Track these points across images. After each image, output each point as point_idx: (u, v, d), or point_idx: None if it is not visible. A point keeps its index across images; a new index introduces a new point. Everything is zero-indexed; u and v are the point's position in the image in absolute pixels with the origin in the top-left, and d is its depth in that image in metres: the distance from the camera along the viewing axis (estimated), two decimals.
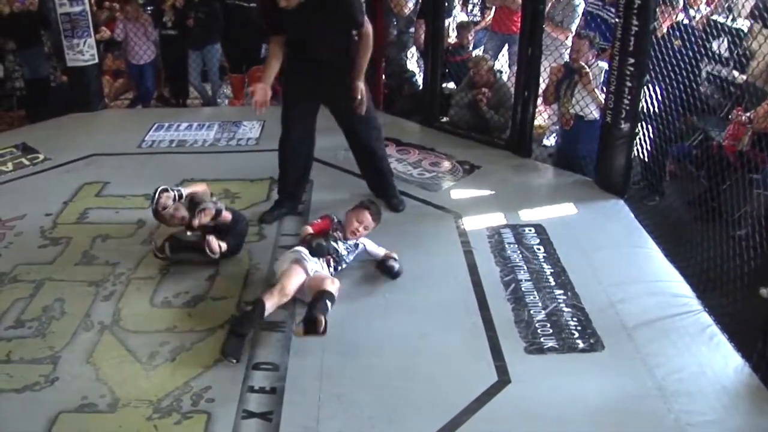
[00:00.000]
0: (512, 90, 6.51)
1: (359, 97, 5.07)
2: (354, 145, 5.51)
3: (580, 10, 7.23)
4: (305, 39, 4.97)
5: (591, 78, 5.86)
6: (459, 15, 8.03)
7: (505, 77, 7.40)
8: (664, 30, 5.83)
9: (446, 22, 7.25)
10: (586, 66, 5.89)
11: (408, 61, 7.74)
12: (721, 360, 3.87)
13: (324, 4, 4.77)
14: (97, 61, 7.85)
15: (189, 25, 7.94)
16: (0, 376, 3.82)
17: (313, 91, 5.15)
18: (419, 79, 7.57)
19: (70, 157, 6.54)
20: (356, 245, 4.58)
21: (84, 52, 7.62)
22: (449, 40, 7.56)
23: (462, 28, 7.57)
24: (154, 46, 8.13)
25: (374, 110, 5.48)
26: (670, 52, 5.58)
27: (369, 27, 5.06)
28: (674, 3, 5.88)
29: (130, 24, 7.99)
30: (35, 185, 6.11)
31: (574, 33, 6.93)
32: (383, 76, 7.75)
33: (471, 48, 7.66)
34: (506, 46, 7.96)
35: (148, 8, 8.36)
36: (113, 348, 4.03)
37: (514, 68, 6.94)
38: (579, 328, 4.06)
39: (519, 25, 6.57)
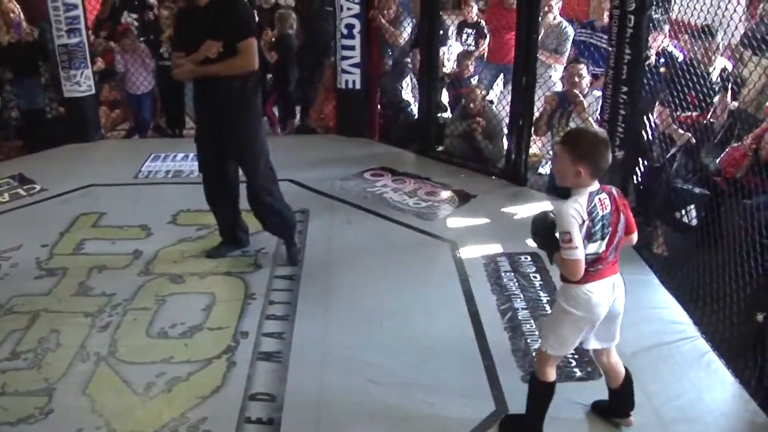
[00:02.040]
0: (506, 119, 6.56)
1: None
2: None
3: (572, 36, 7.30)
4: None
5: (585, 106, 5.90)
6: (454, 44, 8.09)
7: (497, 107, 7.45)
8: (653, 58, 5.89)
9: (441, 51, 7.31)
10: (580, 95, 5.94)
11: (403, 91, 7.79)
12: (719, 386, 3.86)
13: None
14: (94, 91, 7.91)
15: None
16: None
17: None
18: (414, 108, 7.62)
19: (67, 187, 6.55)
20: None
21: (81, 83, 7.68)
22: (445, 70, 7.61)
23: (463, 57, 7.62)
24: (152, 77, 8.17)
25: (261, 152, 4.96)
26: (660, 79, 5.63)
27: (252, 45, 4.68)
28: (660, 28, 5.92)
29: (128, 55, 8.04)
30: (31, 216, 6.12)
31: (566, 61, 7.02)
32: (378, 106, 7.81)
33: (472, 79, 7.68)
34: (501, 76, 8.02)
35: (142, 38, 8.40)
36: (109, 379, 4.00)
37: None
38: (576, 356, 4.03)
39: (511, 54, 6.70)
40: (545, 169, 7.01)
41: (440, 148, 7.20)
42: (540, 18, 6.42)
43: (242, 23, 4.66)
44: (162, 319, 4.53)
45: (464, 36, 8.52)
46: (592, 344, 3.34)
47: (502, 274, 4.97)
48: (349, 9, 7.33)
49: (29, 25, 7.80)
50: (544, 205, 5.95)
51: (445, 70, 7.61)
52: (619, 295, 3.25)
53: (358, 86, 7.50)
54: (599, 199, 3.04)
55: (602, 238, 3.07)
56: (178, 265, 5.15)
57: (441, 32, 7.30)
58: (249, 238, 5.38)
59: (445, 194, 6.28)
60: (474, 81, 7.49)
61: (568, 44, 7.29)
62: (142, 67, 8.09)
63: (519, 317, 4.46)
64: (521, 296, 4.70)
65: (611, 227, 3.10)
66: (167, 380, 3.95)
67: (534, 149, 6.80)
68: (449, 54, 7.92)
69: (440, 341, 4.24)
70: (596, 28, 6.85)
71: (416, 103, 7.58)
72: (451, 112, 7.49)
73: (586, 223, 2.99)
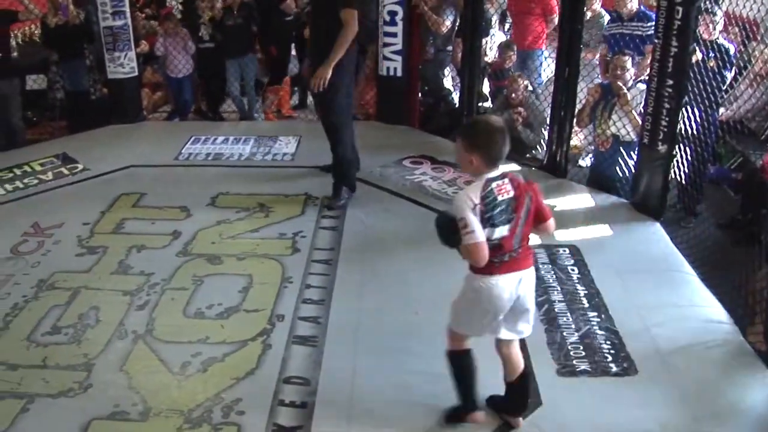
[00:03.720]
0: (548, 110, 6.50)
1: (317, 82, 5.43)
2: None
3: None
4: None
5: (629, 98, 5.82)
6: (497, 34, 8.02)
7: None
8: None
9: (483, 41, 7.26)
10: (623, 87, 5.86)
11: (444, 80, 7.75)
12: (759, 388, 3.78)
13: None
14: (136, 74, 7.99)
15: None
16: (36, 381, 3.88)
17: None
18: (455, 97, 7.57)
19: (109, 167, 6.64)
20: None
21: (124, 65, 7.76)
22: (487, 59, 7.56)
23: (505, 47, 7.55)
24: (193, 60, 8.22)
25: (341, 99, 5.63)
26: (710, 73, 5.53)
27: (351, 16, 5.35)
28: (711, 20, 5.79)
29: (170, 38, 8.10)
30: (74, 194, 6.22)
31: (599, 54, 6.93)
32: (419, 94, 7.78)
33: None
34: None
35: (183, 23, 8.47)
36: (146, 357, 4.07)
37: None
38: (612, 351, 4.01)
39: (533, 40, 6.60)
40: (586, 162, 6.94)
41: None
42: (585, 8, 6.32)
43: None
44: (199, 299, 4.58)
45: (507, 26, 8.45)
46: (502, 334, 3.36)
47: (540, 266, 4.90)
48: None
49: (76, 8, 7.90)
50: (584, 198, 5.93)
51: (486, 59, 7.55)
52: (526, 291, 3.25)
53: (399, 73, 7.46)
54: (497, 184, 3.09)
55: (504, 223, 3.10)
56: (216, 247, 5.19)
57: (483, 22, 7.23)
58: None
59: None
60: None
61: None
62: (184, 51, 8.13)
63: (555, 310, 4.42)
64: (558, 289, 4.64)
65: (515, 213, 3.13)
66: (203, 360, 4.00)
67: (575, 141, 6.73)
68: (491, 43, 7.85)
69: None
70: (623, 18, 6.72)
71: (457, 92, 7.53)
72: (492, 102, 7.45)
73: (479, 206, 3.03)
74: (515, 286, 3.20)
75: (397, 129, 7.44)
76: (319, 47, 5.60)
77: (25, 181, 6.50)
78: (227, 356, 4.03)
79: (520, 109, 6.83)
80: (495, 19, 8.23)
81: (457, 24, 7.49)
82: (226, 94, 8.52)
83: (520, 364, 3.46)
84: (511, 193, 3.12)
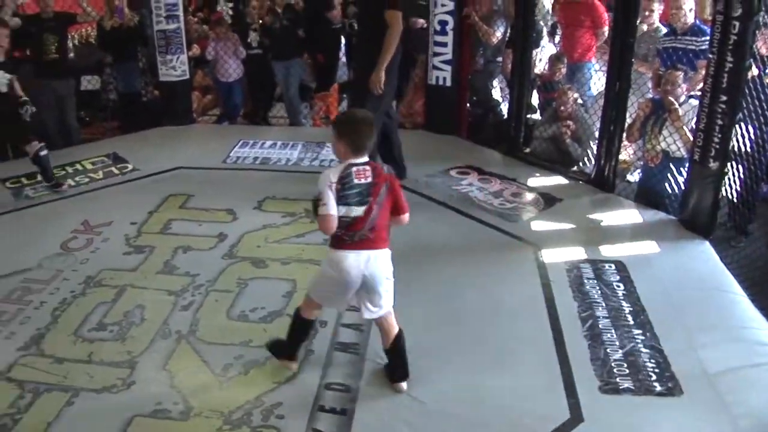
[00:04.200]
0: (597, 124, 6.43)
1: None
2: None
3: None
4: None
5: (680, 114, 5.73)
6: (547, 46, 7.97)
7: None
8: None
9: (533, 52, 7.22)
10: (675, 102, 5.78)
11: (493, 90, 7.72)
12: None
13: None
14: (188, 77, 8.11)
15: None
16: (81, 375, 3.95)
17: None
18: (504, 108, 7.54)
19: (158, 168, 6.74)
20: None
21: (176, 67, 7.88)
22: (536, 71, 7.51)
23: (555, 60, 7.50)
24: (243, 65, 8.30)
25: (376, 105, 5.71)
26: (766, 89, 5.41)
27: (395, 17, 5.54)
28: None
29: (221, 43, 8.19)
30: (123, 194, 6.33)
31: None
32: (468, 104, 7.76)
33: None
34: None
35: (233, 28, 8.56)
36: (189, 357, 4.11)
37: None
38: (657, 370, 3.93)
39: (583, 52, 6.53)
40: (634, 177, 6.84)
41: (528, 150, 7.10)
42: (638, 22, 6.26)
43: None
44: (243, 302, 4.62)
45: (557, 37, 8.39)
46: (366, 314, 3.72)
47: (585, 281, 4.86)
48: (443, 5, 7.29)
49: (131, 11, 8.04)
50: (632, 213, 5.85)
51: (536, 71, 7.50)
52: (374, 269, 3.57)
53: (448, 83, 7.46)
54: (358, 169, 3.49)
55: (358, 204, 3.48)
56: (262, 250, 5.23)
57: (534, 33, 7.20)
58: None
59: (531, 196, 6.19)
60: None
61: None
62: (234, 55, 8.22)
63: (600, 326, 4.35)
64: (603, 305, 4.58)
65: (370, 197, 3.49)
66: (245, 363, 4.02)
67: (624, 156, 6.65)
68: (541, 55, 7.80)
69: (518, 344, 4.19)
70: (677, 32, 6.63)
71: (506, 103, 7.49)
72: (541, 114, 7.40)
73: (335, 185, 3.43)
74: (364, 263, 3.53)
75: (444, 139, 7.43)
76: (365, 49, 5.76)
77: (77, 179, 6.64)
78: (269, 360, 4.03)
79: (569, 122, 6.78)
80: (545, 30, 8.19)
81: (508, 35, 7.46)
82: (275, 99, 8.59)
83: (393, 332, 3.78)
84: (370, 179, 3.50)
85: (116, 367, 4.02)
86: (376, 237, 3.56)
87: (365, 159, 3.54)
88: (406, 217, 3.71)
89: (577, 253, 5.24)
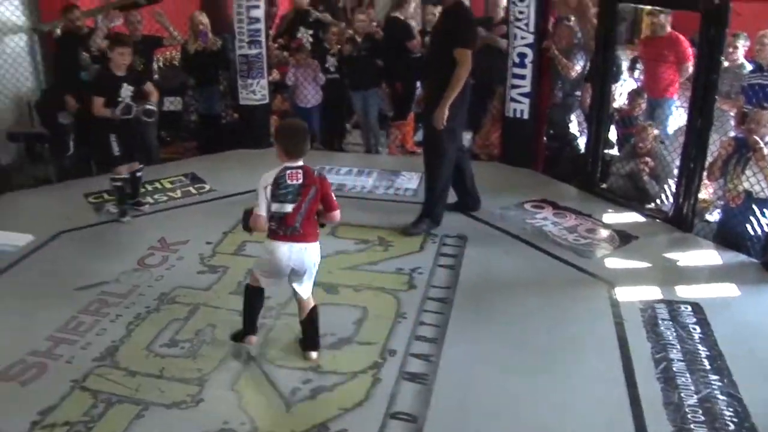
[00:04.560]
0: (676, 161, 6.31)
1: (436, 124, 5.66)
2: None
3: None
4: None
5: (765, 153, 5.58)
6: (627, 80, 7.87)
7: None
8: None
9: (613, 87, 7.13)
10: (760, 141, 5.62)
11: (571, 124, 7.65)
12: None
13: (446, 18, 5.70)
14: (267, 101, 8.26)
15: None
16: (152, 390, 4.03)
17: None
18: (581, 142, 7.45)
19: (234, 190, 6.84)
20: None
21: (256, 92, 8.03)
22: (615, 105, 7.42)
23: (635, 95, 7.40)
24: (321, 91, 8.39)
25: (448, 141, 5.83)
26: None
27: (465, 55, 5.54)
28: None
29: (301, 69, 8.31)
30: (199, 214, 6.46)
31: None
32: (545, 138, 7.70)
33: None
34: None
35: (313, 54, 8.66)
36: (257, 379, 4.15)
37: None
38: (735, 419, 3.79)
39: (664, 88, 6.37)
40: (714, 217, 6.67)
41: (604, 186, 6.99)
42: (722, 57, 6.13)
43: (461, 32, 5.61)
44: None
45: (636, 72, 8.28)
46: (296, 288, 4.27)
47: (660, 321, 4.74)
48: (522, 38, 7.27)
49: (214, 35, 8.23)
50: (710, 254, 5.70)
51: (615, 105, 7.41)
52: (298, 258, 4.13)
53: (525, 116, 7.42)
54: (290, 172, 4.06)
55: (290, 203, 4.07)
56: (334, 276, 5.24)
57: (614, 67, 7.11)
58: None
59: (606, 233, 6.08)
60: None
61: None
62: (313, 82, 8.32)
63: (674, 369, 4.23)
64: (678, 347, 4.45)
65: (299, 196, 4.07)
66: (312, 388, 4.04)
67: (704, 195, 6.49)
68: (621, 90, 7.71)
69: (588, 384, 4.11)
70: (764, 68, 6.46)
71: (583, 138, 7.41)
72: (618, 150, 7.29)
73: (269, 187, 4.05)
74: (293, 253, 4.11)
75: (520, 171, 7.38)
76: (434, 84, 5.77)
77: (156, 197, 6.79)
78: (336, 386, 4.05)
79: (648, 159, 6.66)
80: (625, 65, 8.10)
81: (587, 68, 7.39)
82: (352, 125, 8.66)
83: (308, 306, 4.29)
84: (301, 181, 4.07)
85: (186, 383, 4.09)
86: (305, 232, 4.13)
87: (299, 163, 4.11)
88: (336, 214, 4.28)
89: (652, 292, 5.12)
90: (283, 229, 4.10)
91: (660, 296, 5.07)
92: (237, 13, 7.96)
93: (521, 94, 7.40)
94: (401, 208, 6.45)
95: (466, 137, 7.85)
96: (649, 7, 7.96)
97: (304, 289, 4.27)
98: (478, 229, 6.01)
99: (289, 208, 4.07)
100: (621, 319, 4.77)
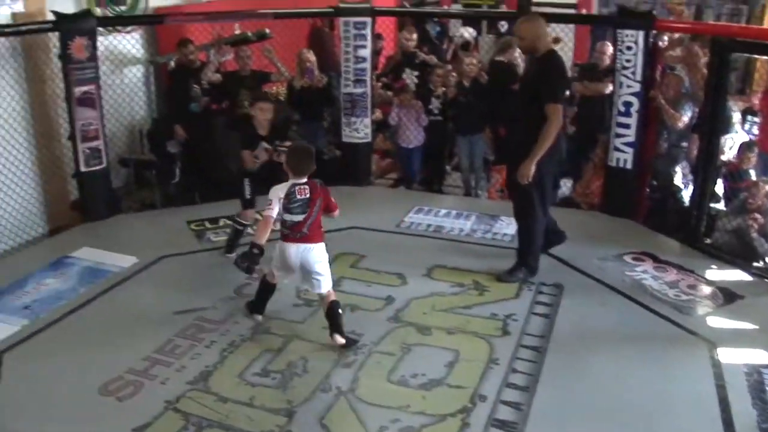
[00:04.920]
0: None
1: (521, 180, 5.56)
2: None
3: None
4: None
5: None
6: (739, 132, 7.63)
7: None
8: None
9: (722, 139, 6.93)
10: None
11: (675, 176, 7.46)
12: None
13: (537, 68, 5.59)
14: (369, 139, 8.35)
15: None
16: (241, 417, 4.12)
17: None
18: (685, 195, 7.25)
19: (332, 226, 6.75)
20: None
21: (359, 130, 8.14)
22: (723, 158, 7.20)
23: (746, 148, 7.17)
24: (424, 132, 8.43)
25: (537, 194, 5.71)
26: None
27: (556, 111, 5.44)
28: None
29: (404, 110, 8.37)
30: None
31: None
32: (647, 189, 7.53)
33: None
34: None
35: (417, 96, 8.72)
36: (346, 414, 4.17)
37: None
38: None
39: None
40: None
41: (709, 241, 6.77)
42: None
43: (553, 85, 5.51)
44: (404, 366, 4.64)
45: (747, 124, 8.03)
46: (311, 289, 5.06)
47: (767, 388, 4.52)
48: (629, 86, 7.15)
49: (321, 73, 8.39)
50: None
51: (723, 158, 7.19)
52: (307, 257, 4.88)
53: (629, 166, 7.26)
54: (299, 188, 4.86)
55: (300, 213, 4.84)
56: (428, 318, 5.24)
57: (725, 119, 6.91)
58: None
59: (709, 290, 5.86)
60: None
61: None
62: (416, 123, 8.37)
63: None
64: None
65: (308, 207, 4.85)
66: (400, 428, 4.04)
67: None
68: (730, 142, 7.48)
69: None
70: None
71: (688, 190, 7.20)
72: (725, 204, 7.06)
73: (282, 200, 4.84)
74: (299, 252, 4.87)
75: (620, 222, 7.21)
76: (521, 134, 5.69)
77: (254, 227, 6.86)
78: (425, 428, 4.04)
79: (757, 215, 6.43)
80: (736, 117, 7.86)
81: (695, 119, 7.22)
82: (453, 168, 8.67)
83: (328, 300, 4.93)
84: (308, 195, 4.87)
85: (275, 414, 4.16)
86: (311, 235, 4.88)
87: (304, 179, 4.88)
88: (336, 212, 5.12)
89: (758, 356, 4.90)
90: (293, 233, 4.87)
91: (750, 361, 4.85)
92: (344, 52, 8.13)
93: (625, 144, 7.26)
94: (499, 253, 6.37)
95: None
96: (765, 57, 7.73)
97: (321, 287, 4.93)
98: (575, 278, 5.90)
99: (299, 218, 4.84)
100: (723, 381, 4.58)
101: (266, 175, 5.91)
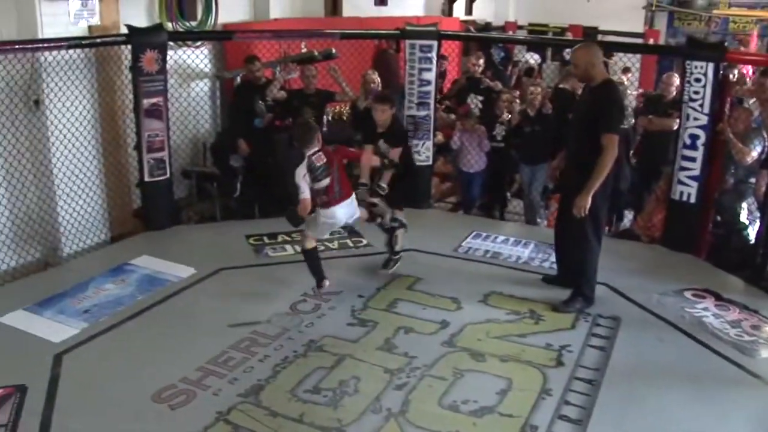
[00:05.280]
0: None
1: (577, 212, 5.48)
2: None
3: None
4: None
5: None
6: None
7: None
8: None
9: None
10: None
11: (741, 212, 7.29)
12: None
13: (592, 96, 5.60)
14: (430, 162, 8.35)
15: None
16: None
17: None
18: (751, 232, 7.09)
19: None
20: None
21: (421, 152, 8.14)
22: None
23: None
24: (486, 157, 8.40)
25: (591, 223, 5.64)
26: None
27: (612, 141, 5.39)
28: None
29: (467, 134, 8.37)
30: (355, 267, 6.55)
31: None
32: (711, 224, 7.37)
33: None
34: None
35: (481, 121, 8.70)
36: None
37: None
38: None
39: None
40: None
41: None
42: None
43: (609, 115, 5.45)
44: (456, 392, 4.59)
45: None
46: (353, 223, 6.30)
47: None
48: (695, 119, 7.03)
49: None
50: None
51: None
52: (350, 211, 5.80)
53: (692, 200, 7.13)
54: (315, 156, 5.55)
55: (326, 177, 5.57)
56: (482, 344, 5.19)
57: None
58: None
59: None
60: None
61: None
62: (478, 148, 8.35)
63: None
64: None
65: (330, 170, 5.57)
66: None
67: None
68: None
69: None
70: None
71: (754, 227, 7.04)
72: None
73: (306, 175, 5.52)
74: (346, 208, 5.74)
75: (681, 257, 7.06)
76: (575, 164, 5.67)
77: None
78: None
79: None
80: None
81: (765, 154, 7.06)
82: (513, 194, 8.61)
83: (365, 216, 6.10)
84: (324, 161, 5.55)
85: (324, 431, 4.14)
86: (344, 192, 5.70)
87: (315, 148, 5.56)
88: (363, 158, 6.10)
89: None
90: (330, 197, 5.61)
91: None
92: (409, 74, 8.16)
93: (690, 177, 7.13)
94: None
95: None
96: None
97: (360, 215, 5.99)
98: (632, 312, 5.79)
99: (326, 181, 5.56)
100: None
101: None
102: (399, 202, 6.44)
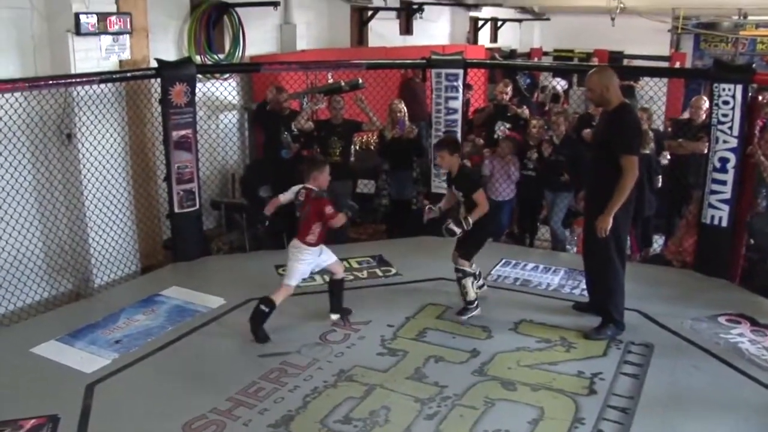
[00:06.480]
0: None
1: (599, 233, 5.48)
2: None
3: None
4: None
5: None
6: None
7: None
8: None
9: None
10: None
11: None
12: None
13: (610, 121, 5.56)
14: None
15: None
16: None
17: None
18: None
19: (419, 276, 6.91)
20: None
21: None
22: None
23: None
24: (515, 186, 8.36)
25: (614, 247, 5.65)
26: None
27: (632, 163, 5.40)
28: None
29: (497, 161, 8.35)
30: (384, 296, 6.55)
31: None
32: (744, 248, 7.28)
33: None
34: None
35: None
36: None
37: None
38: None
39: None
40: None
41: None
42: None
43: (627, 137, 5.44)
44: (487, 421, 4.55)
45: None
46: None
47: None
48: (725, 142, 6.97)
49: (411, 123, 8.47)
50: None
51: None
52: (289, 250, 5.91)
53: (724, 223, 7.05)
54: (301, 191, 5.88)
55: (300, 212, 5.91)
56: (513, 372, 5.15)
57: None
58: None
59: None
60: None
61: None
62: (507, 175, 8.31)
63: None
64: None
65: (302, 210, 5.86)
66: None
67: None
68: None
69: None
70: None
71: None
72: None
73: (295, 195, 5.93)
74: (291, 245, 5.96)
75: (714, 282, 6.97)
76: (595, 187, 5.68)
77: None
78: None
79: None
80: None
81: None
82: (542, 222, 8.57)
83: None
84: (303, 199, 5.83)
85: None
86: (299, 232, 5.80)
87: (309, 185, 5.80)
88: (332, 222, 5.80)
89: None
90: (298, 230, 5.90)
91: None
92: (435, 103, 8.21)
93: (721, 201, 7.06)
94: None
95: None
96: None
97: (284, 278, 5.92)
98: (665, 338, 5.71)
99: (299, 215, 5.93)
100: None
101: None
102: (465, 249, 6.18)
